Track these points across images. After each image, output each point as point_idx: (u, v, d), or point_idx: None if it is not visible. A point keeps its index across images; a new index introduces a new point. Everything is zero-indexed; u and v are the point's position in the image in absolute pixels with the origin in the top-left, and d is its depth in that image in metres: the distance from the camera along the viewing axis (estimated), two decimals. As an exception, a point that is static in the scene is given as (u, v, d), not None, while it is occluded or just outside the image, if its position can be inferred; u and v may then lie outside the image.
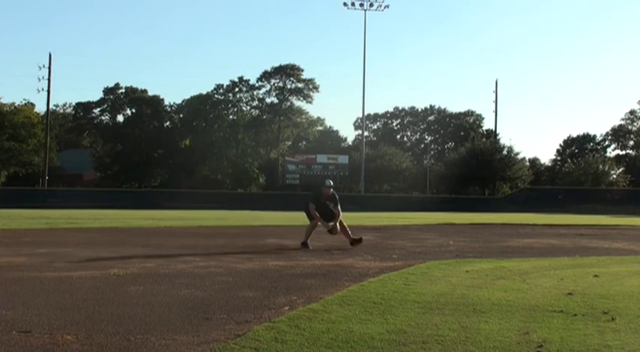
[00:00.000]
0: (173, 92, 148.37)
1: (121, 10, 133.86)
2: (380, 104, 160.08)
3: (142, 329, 4.76)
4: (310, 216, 12.12)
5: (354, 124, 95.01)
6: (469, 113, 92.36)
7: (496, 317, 5.30)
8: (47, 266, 8.42)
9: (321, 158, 62.64)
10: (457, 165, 63.53)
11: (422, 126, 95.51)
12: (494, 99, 68.73)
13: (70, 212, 30.90)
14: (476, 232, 18.59)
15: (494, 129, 75.24)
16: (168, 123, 77.53)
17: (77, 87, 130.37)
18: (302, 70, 75.67)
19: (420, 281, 7.27)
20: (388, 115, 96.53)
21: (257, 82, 76.57)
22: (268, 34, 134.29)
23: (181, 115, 77.88)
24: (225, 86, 76.23)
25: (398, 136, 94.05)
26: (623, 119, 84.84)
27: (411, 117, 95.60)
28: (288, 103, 77.59)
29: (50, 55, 60.53)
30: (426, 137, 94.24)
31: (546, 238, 16.15)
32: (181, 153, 73.66)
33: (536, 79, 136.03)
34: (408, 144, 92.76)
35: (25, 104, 70.29)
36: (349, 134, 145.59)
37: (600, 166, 66.80)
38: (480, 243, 14.05)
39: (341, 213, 12.06)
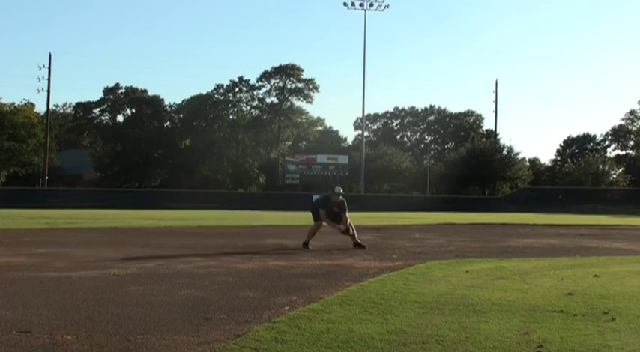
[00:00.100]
0: (173, 92, 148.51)
1: (121, 10, 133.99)
2: (380, 104, 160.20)
3: (142, 329, 4.76)
4: (316, 218, 12.11)
5: (354, 124, 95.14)
6: (469, 113, 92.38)
7: (496, 317, 5.30)
8: (47, 267, 8.42)
9: (321, 158, 62.61)
10: (457, 165, 63.52)
11: (422, 126, 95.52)
12: (494, 99, 68.79)
13: (70, 212, 30.90)
14: (476, 232, 18.59)
15: (494, 129, 75.31)
16: (168, 123, 77.54)
17: (77, 87, 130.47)
18: (302, 70, 75.74)
19: (420, 281, 7.27)
20: (388, 115, 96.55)
21: (257, 82, 76.64)
22: (268, 34, 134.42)
23: (181, 115, 77.89)
24: (225, 86, 76.28)
25: (398, 136, 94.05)
26: (623, 119, 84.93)
27: (411, 117, 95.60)
28: (288, 103, 77.60)
29: (50, 55, 60.60)
30: (426, 137, 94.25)
31: (546, 238, 16.15)
32: (181, 153, 73.66)
33: (536, 79, 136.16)
34: (408, 144, 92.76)
35: (25, 104, 70.30)
36: (349, 134, 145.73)
37: (600, 166, 66.79)
38: (480, 243, 14.04)
39: (348, 219, 12.09)
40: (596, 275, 7.99)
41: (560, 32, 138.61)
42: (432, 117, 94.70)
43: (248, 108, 79.43)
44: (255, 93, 77.54)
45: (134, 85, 74.90)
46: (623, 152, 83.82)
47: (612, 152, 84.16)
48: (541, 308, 5.71)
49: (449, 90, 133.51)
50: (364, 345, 4.34)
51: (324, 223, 12.12)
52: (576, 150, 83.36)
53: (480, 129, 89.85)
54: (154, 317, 5.22)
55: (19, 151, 62.95)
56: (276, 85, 76.50)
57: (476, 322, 5.09)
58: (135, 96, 73.80)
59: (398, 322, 5.05)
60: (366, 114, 71.90)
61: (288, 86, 76.36)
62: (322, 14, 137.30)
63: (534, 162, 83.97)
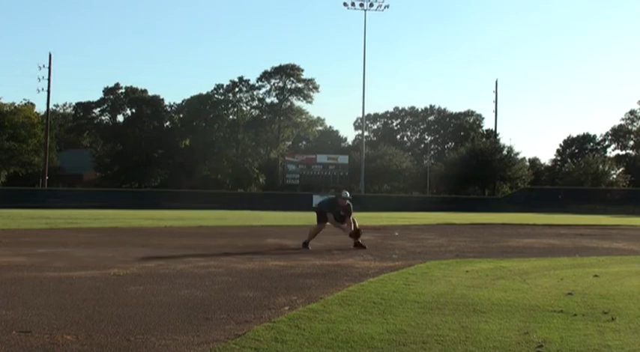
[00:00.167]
0: (173, 92, 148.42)
1: (121, 10, 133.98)
2: (380, 104, 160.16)
3: (142, 329, 4.76)
4: (320, 220, 12.10)
5: (354, 124, 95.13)
6: (469, 113, 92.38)
7: (496, 317, 5.30)
8: (47, 267, 8.42)
9: (321, 158, 62.59)
10: (457, 165, 63.52)
11: (422, 126, 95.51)
12: (494, 99, 68.75)
13: (70, 212, 30.90)
14: (476, 232, 18.59)
15: (494, 129, 75.29)
16: (168, 123, 77.53)
17: (77, 87, 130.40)
18: (302, 70, 75.74)
19: (420, 281, 7.27)
20: (388, 115, 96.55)
21: (257, 82, 76.64)
22: (268, 34, 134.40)
23: (181, 115, 77.89)
24: (225, 86, 76.27)
25: (398, 136, 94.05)
26: (623, 119, 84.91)
27: (411, 117, 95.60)
28: (288, 103, 77.60)
29: (50, 55, 60.58)
30: (426, 137, 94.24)
31: (546, 238, 16.15)
32: (181, 153, 73.66)
33: (536, 79, 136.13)
34: (408, 144, 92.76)
35: (25, 104, 70.30)
36: (349, 134, 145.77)
37: (600, 166, 66.79)
38: (480, 243, 14.04)
39: (356, 222, 12.14)
40: (596, 275, 7.99)
41: (560, 32, 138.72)
42: (432, 117, 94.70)
43: (248, 108, 79.48)
44: (255, 93, 77.60)
45: (134, 85, 74.99)
46: (623, 152, 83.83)
47: (612, 152, 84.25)
48: (541, 308, 5.71)
49: (449, 90, 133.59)
50: (364, 345, 4.34)
51: (327, 223, 12.12)
52: (576, 150, 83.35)
53: (480, 129, 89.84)
54: (154, 317, 5.22)
55: (19, 151, 62.95)
56: (276, 85, 76.53)
57: (476, 322, 5.09)
58: (135, 96, 73.80)
59: (398, 322, 5.05)
60: (366, 114, 71.97)
61: (288, 86, 76.38)
62: (322, 14, 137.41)
63: (534, 162, 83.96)
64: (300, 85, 76.20)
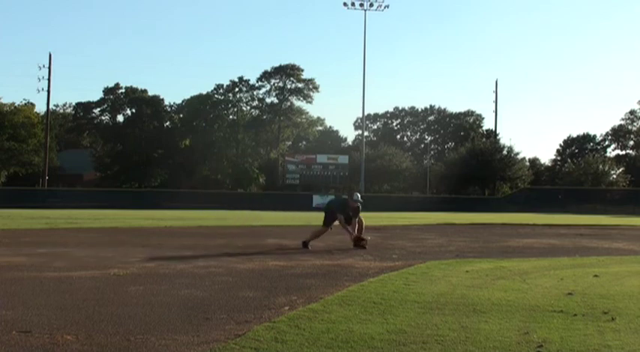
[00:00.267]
0: (173, 92, 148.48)
1: (121, 10, 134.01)
2: (380, 104, 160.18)
3: (142, 329, 4.76)
4: (328, 222, 12.07)
5: (354, 124, 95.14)
6: (469, 113, 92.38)
7: (496, 317, 5.30)
8: (47, 267, 8.42)
9: (321, 158, 62.58)
10: (457, 165, 63.52)
11: (422, 126, 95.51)
12: (494, 99, 68.79)
13: (70, 212, 30.90)
14: (476, 232, 18.59)
15: (494, 129, 75.30)
16: (168, 123, 77.54)
17: (77, 87, 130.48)
18: (302, 70, 75.74)
19: (420, 281, 7.27)
20: (388, 115, 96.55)
21: (257, 82, 76.65)
22: (268, 34, 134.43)
23: (181, 115, 77.89)
24: (225, 86, 76.28)
25: (398, 136, 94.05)
26: (623, 119, 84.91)
27: (411, 117, 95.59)
28: (288, 103, 77.60)
29: (50, 55, 60.61)
30: (426, 137, 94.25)
31: (546, 238, 16.15)
32: (181, 153, 73.66)
33: (536, 79, 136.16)
34: (408, 144, 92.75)
35: (25, 104, 70.30)
36: (349, 134, 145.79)
37: (600, 166, 66.79)
38: (480, 243, 14.04)
39: (358, 224, 12.15)
40: (596, 275, 7.99)
41: (560, 32, 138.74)
42: (432, 117, 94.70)
43: (248, 108, 79.49)
44: (255, 93, 77.61)
45: (134, 85, 75.02)
46: (623, 152, 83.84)
47: (612, 152, 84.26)
48: (541, 308, 5.71)
49: (449, 90, 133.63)
50: (364, 345, 4.34)
51: (334, 224, 12.12)
52: (576, 150, 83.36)
53: (480, 129, 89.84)
54: (154, 317, 5.22)
55: (19, 151, 62.96)
56: (276, 85, 76.54)
57: (476, 322, 5.09)
58: (135, 96, 73.80)
59: (398, 322, 5.05)
60: (366, 114, 71.96)
61: (288, 86, 76.38)
62: (322, 14, 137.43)
63: (534, 162, 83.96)
64: (300, 85, 76.21)
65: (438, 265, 8.98)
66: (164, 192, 56.92)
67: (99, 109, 75.39)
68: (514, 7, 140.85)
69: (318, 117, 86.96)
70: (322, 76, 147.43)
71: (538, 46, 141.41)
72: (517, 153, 66.88)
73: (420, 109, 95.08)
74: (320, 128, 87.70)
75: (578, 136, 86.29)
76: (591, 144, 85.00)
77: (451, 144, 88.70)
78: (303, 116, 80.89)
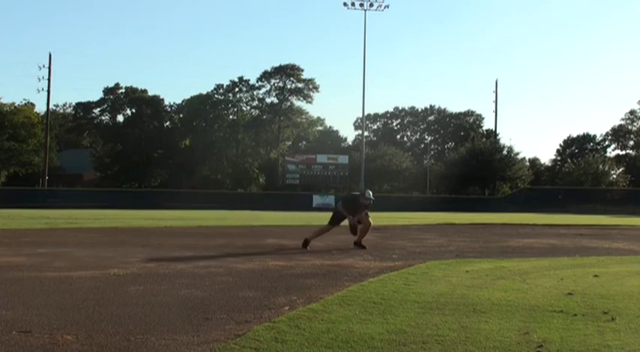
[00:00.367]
0: (173, 92, 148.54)
1: (121, 10, 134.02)
2: (380, 104, 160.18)
3: (142, 329, 4.76)
4: (336, 222, 11.99)
5: (354, 124, 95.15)
6: (469, 113, 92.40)
7: (496, 317, 5.30)
8: (47, 267, 8.41)
9: (321, 158, 62.60)
10: (457, 165, 63.54)
11: (422, 126, 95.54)
12: (494, 99, 68.88)
13: (70, 212, 30.91)
14: (476, 232, 18.58)
15: (494, 129, 75.35)
16: (168, 123, 77.56)
17: (77, 87, 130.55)
18: (302, 70, 75.78)
19: (420, 281, 7.27)
20: (388, 115, 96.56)
21: (257, 82, 76.68)
22: (268, 34, 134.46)
23: (181, 115, 77.90)
24: (225, 86, 76.30)
25: (398, 136, 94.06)
26: (623, 119, 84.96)
27: (411, 117, 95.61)
28: (288, 103, 77.62)
29: (50, 55, 60.64)
30: (426, 137, 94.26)
31: (546, 238, 16.14)
32: (181, 153, 73.66)
33: (536, 79, 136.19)
34: (408, 144, 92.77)
35: (25, 104, 70.32)
36: (349, 134, 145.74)
37: (600, 166, 66.81)
38: (480, 243, 14.04)
39: (370, 221, 12.12)
40: (596, 275, 7.99)
41: (560, 32, 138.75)
42: (432, 117, 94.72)
43: (248, 108, 79.51)
44: (255, 93, 77.65)
45: (134, 85, 75.07)
46: (623, 152, 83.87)
47: (612, 152, 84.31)
48: (541, 308, 5.71)
49: (449, 90, 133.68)
50: (364, 345, 4.34)
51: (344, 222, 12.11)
52: (576, 150, 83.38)
53: (480, 129, 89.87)
54: (154, 317, 5.22)
55: (19, 151, 62.96)
56: (276, 85, 76.57)
57: (476, 322, 5.09)
58: (135, 96, 73.81)
59: (398, 322, 5.05)
60: (366, 114, 71.94)
61: (288, 86, 76.41)
62: (322, 14, 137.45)
63: (534, 162, 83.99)
64: (300, 85, 76.24)
65: (438, 265, 8.98)
66: (164, 192, 56.93)
67: (99, 109, 75.43)
68: (514, 7, 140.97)
69: (318, 117, 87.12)
70: (322, 76, 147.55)
71: (538, 46, 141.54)
72: (517, 153, 67.02)
73: (420, 109, 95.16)
74: (320, 128, 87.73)
75: (578, 136, 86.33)
76: (591, 144, 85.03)
77: (451, 144, 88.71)
78: (303, 116, 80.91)
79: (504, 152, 65.66)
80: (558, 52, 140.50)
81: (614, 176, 68.20)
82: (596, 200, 54.99)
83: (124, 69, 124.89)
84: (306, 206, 49.41)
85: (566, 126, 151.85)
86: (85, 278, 7.43)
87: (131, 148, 71.58)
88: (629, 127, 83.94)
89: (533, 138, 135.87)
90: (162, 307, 5.67)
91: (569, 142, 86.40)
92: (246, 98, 78.25)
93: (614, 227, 23.78)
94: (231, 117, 77.82)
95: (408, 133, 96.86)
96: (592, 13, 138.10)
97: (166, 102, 76.60)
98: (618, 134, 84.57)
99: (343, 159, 63.22)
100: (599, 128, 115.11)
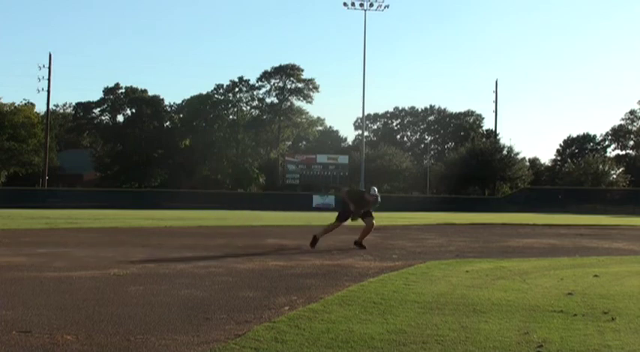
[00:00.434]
0: (173, 92, 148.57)
1: (121, 10, 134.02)
2: (380, 104, 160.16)
3: (142, 329, 4.76)
4: (343, 218, 12.02)
5: (354, 124, 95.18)
6: (469, 113, 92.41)
7: (496, 317, 5.30)
8: (47, 267, 8.41)
9: (321, 158, 62.62)
10: (457, 165, 63.56)
11: (422, 126, 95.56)
12: (494, 99, 68.92)
13: (70, 212, 30.91)
14: (476, 232, 18.59)
15: (494, 129, 75.37)
16: (168, 123, 77.57)
17: (77, 87, 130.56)
18: (302, 70, 75.81)
19: (420, 281, 7.27)
20: (388, 115, 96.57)
21: (257, 82, 76.70)
22: (268, 34, 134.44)
23: (181, 115, 77.91)
24: (225, 86, 76.31)
25: (398, 136, 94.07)
26: (623, 119, 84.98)
27: (411, 117, 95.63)
28: (288, 103, 77.64)
29: (50, 55, 60.66)
30: (426, 137, 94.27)
31: (546, 238, 16.14)
32: (181, 153, 73.67)
33: (536, 79, 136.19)
34: (408, 144, 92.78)
35: (25, 104, 70.33)
36: (349, 134, 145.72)
37: (600, 166, 66.82)
38: (480, 243, 14.04)
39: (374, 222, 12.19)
40: (596, 275, 7.99)
41: (560, 32, 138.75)
42: (432, 117, 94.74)
43: (248, 108, 79.53)
44: (255, 93, 77.67)
45: (134, 85, 75.11)
46: (623, 152, 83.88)
47: (612, 152, 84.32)
48: (541, 308, 5.71)
49: (449, 90, 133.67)
50: (364, 345, 4.34)
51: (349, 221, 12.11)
52: (576, 150, 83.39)
53: (480, 129, 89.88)
54: (154, 317, 5.22)
55: (19, 151, 62.97)
56: (276, 85, 76.58)
57: (476, 322, 5.09)
58: (135, 96, 73.82)
59: (398, 322, 5.05)
60: (366, 114, 71.94)
61: (288, 86, 76.42)
62: (322, 14, 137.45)
63: (534, 162, 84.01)
64: (300, 85, 76.26)
65: (438, 265, 8.98)
66: (164, 192, 56.95)
67: (99, 109, 75.46)
68: (514, 7, 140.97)
69: (318, 117, 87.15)
70: (322, 76, 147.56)
71: (538, 46, 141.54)
72: (517, 153, 67.07)
73: (420, 109, 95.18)
74: (320, 128, 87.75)
75: (578, 136, 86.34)
76: (591, 144, 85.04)
77: (451, 144, 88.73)
78: (303, 116, 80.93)
79: (504, 152, 65.69)
80: (558, 52, 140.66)
81: (614, 176, 68.22)
82: (596, 200, 55.01)
83: (124, 69, 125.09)
84: (306, 206, 49.42)
85: (566, 126, 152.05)
86: (85, 278, 7.43)
87: (131, 148, 71.59)
88: (629, 127, 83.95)
89: (533, 138, 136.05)
90: (162, 307, 5.67)
91: (569, 142, 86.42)
92: (246, 98, 78.33)
93: (614, 227, 23.78)
94: (231, 117, 77.83)
95: (408, 133, 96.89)
96: (592, 13, 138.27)
97: (166, 102, 76.75)
98: (618, 134, 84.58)
99: (343, 159, 63.25)
100: (599, 128, 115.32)
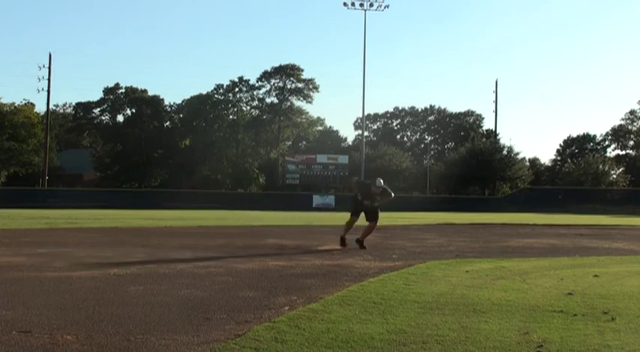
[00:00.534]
0: (173, 92, 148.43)
1: (121, 10, 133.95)
2: (380, 104, 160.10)
3: (142, 329, 4.76)
4: (356, 212, 12.10)
5: (354, 124, 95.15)
6: (469, 113, 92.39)
7: (496, 317, 5.30)
8: (47, 267, 8.41)
9: (321, 158, 62.61)
10: (457, 165, 63.56)
11: (422, 126, 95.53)
12: (494, 99, 68.84)
13: (70, 212, 30.91)
14: (476, 232, 18.59)
15: (494, 129, 75.33)
16: (168, 123, 77.54)
17: (77, 87, 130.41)
18: (302, 70, 75.74)
19: (420, 281, 7.27)
20: (388, 115, 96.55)
21: (257, 82, 76.64)
22: (268, 34, 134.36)
23: (181, 115, 77.89)
24: (225, 86, 76.27)
25: (398, 136, 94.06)
26: (623, 119, 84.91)
27: (411, 117, 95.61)
28: (288, 103, 77.61)
29: (50, 55, 60.63)
30: (426, 137, 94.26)
31: (546, 238, 16.15)
32: (181, 153, 73.66)
33: (536, 79, 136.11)
34: (408, 144, 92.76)
35: (25, 104, 70.29)
36: (349, 134, 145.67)
37: (600, 166, 66.80)
38: (480, 243, 14.04)
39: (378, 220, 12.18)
40: (596, 275, 7.99)
41: (560, 32, 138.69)
42: (432, 117, 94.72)
43: (248, 108, 79.49)
44: (255, 93, 77.61)
45: (134, 85, 75.01)
46: (623, 152, 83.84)
47: (612, 152, 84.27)
48: (541, 308, 5.71)
49: (449, 90, 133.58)
50: (364, 345, 4.34)
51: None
52: (576, 150, 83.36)
53: (480, 129, 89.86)
54: (154, 317, 5.22)
55: (19, 151, 62.96)
56: (276, 85, 76.54)
57: (476, 322, 5.09)
58: (135, 96, 73.80)
59: (398, 322, 5.05)
60: (366, 114, 71.93)
61: (288, 86, 76.39)
62: (322, 14, 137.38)
63: (534, 162, 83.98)
64: (300, 85, 76.22)
65: (438, 265, 8.98)
66: (164, 192, 56.94)
67: (99, 109, 75.40)
68: (514, 7, 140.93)
69: (318, 117, 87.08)
70: (322, 76, 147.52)
71: (538, 46, 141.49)
72: (517, 153, 67.03)
73: (420, 109, 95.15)
74: (320, 128, 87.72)
75: (578, 136, 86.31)
76: (591, 144, 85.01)
77: (451, 144, 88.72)
78: (303, 116, 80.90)
79: (504, 152, 65.68)
80: (558, 52, 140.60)
81: (614, 176, 68.20)
82: (596, 200, 55.01)
83: (124, 69, 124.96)
84: (306, 206, 49.43)
85: (566, 126, 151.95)
86: (85, 278, 7.43)
87: (131, 148, 71.57)
88: (629, 127, 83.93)
89: (533, 138, 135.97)
90: (162, 307, 5.67)
91: (569, 142, 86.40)
92: (246, 98, 78.28)
93: (614, 227, 23.78)
94: (231, 117, 77.81)
95: (408, 133, 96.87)
96: (592, 13, 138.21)
97: (166, 102, 76.68)
98: (618, 134, 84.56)
99: (343, 159, 63.24)
100: (599, 128, 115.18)
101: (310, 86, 76.22)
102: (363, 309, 5.56)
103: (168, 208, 40.70)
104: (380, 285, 6.98)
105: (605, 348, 4.34)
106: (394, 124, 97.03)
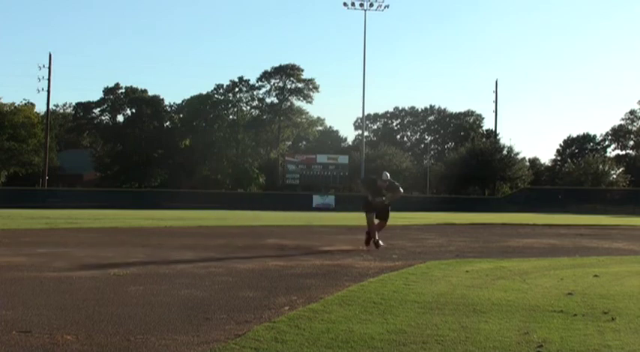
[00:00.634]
0: (173, 92, 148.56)
1: (121, 10, 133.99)
2: (380, 104, 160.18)
3: (142, 329, 4.76)
4: (369, 210, 11.88)
5: (354, 124, 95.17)
6: (469, 113, 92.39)
7: (496, 317, 5.30)
8: (47, 267, 8.41)
9: (321, 158, 62.60)
10: (457, 165, 63.56)
11: (422, 126, 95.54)
12: (494, 99, 68.87)
13: (70, 212, 30.91)
14: (476, 232, 18.59)
15: (494, 129, 75.35)
16: (168, 123, 77.54)
17: (77, 87, 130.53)
18: (302, 70, 75.75)
19: (420, 281, 7.27)
20: (388, 115, 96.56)
21: (257, 82, 76.64)
22: (268, 34, 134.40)
23: (181, 115, 77.89)
24: (225, 86, 76.27)
25: (398, 136, 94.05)
26: (623, 119, 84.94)
27: (411, 117, 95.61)
28: (288, 103, 77.61)
29: (50, 55, 60.64)
30: (426, 137, 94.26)
31: (546, 238, 16.15)
32: (181, 153, 73.65)
33: (536, 79, 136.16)
34: (408, 144, 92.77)
35: (25, 104, 70.31)
36: (349, 134, 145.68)
37: (600, 166, 66.81)
38: (480, 243, 14.04)
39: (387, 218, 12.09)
40: (596, 275, 7.99)
41: (560, 32, 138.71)
42: (432, 117, 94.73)
43: (248, 108, 79.49)
44: (255, 93, 77.61)
45: (134, 85, 75.03)
46: (623, 152, 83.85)
47: (612, 152, 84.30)
48: (541, 308, 5.71)
49: (449, 90, 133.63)
50: (364, 345, 4.34)
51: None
52: (576, 150, 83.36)
53: (480, 129, 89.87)
54: (154, 317, 5.22)
55: (19, 151, 62.96)
56: (276, 85, 76.54)
57: (476, 322, 5.09)
58: (135, 96, 73.79)
59: (398, 322, 5.05)
60: (366, 114, 71.95)
61: (288, 86, 76.38)
62: (322, 14, 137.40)
63: (534, 162, 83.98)
64: (300, 85, 76.22)
65: (438, 265, 8.98)
66: (164, 192, 56.94)
67: (99, 109, 75.41)
68: (514, 7, 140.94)
69: (318, 117, 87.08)
70: (322, 76, 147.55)
71: (538, 46, 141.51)
72: (517, 153, 67.05)
73: (420, 109, 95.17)
74: (320, 128, 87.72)
75: (578, 136, 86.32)
76: (591, 144, 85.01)
77: (451, 144, 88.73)
78: (303, 116, 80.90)
79: (504, 152, 65.69)
80: (558, 52, 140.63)
81: (614, 176, 68.20)
82: (596, 200, 55.01)
83: (124, 69, 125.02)
84: (306, 206, 49.43)
85: (566, 126, 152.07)
86: (85, 278, 7.43)
87: (131, 148, 71.57)
88: (629, 127, 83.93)
89: (533, 138, 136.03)
90: (162, 307, 5.67)
91: (569, 142, 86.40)
92: (246, 98, 78.29)
93: (614, 227, 23.78)
94: (231, 117, 77.81)
95: (408, 133, 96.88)
96: (592, 13, 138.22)
97: (166, 102, 76.70)
98: (618, 134, 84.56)
99: (343, 159, 63.23)
100: (599, 128, 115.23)
101: (310, 86, 76.23)
102: (363, 309, 5.56)
103: (169, 208, 40.70)
104: (380, 285, 6.98)
105: (605, 348, 4.34)
106: (394, 124, 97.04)
